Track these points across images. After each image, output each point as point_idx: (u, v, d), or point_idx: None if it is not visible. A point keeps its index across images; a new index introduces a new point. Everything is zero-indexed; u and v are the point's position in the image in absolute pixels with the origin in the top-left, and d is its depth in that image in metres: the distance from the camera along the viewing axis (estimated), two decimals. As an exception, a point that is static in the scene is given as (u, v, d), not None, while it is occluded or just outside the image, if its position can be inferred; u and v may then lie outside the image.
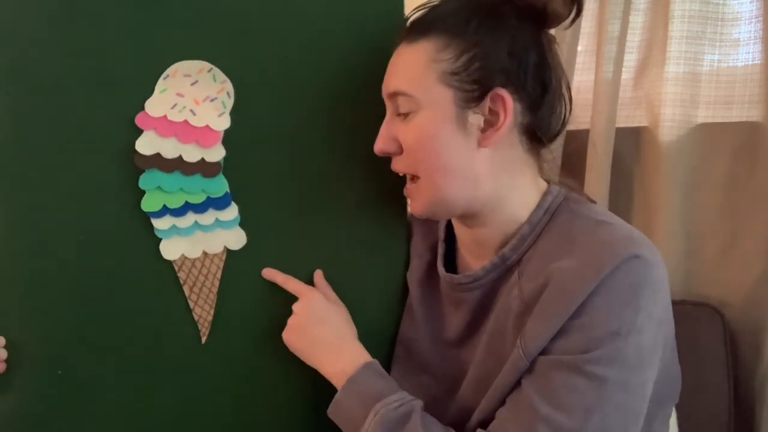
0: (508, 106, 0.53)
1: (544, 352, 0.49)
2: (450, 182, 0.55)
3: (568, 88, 0.57)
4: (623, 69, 0.99)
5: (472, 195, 0.55)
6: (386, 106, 0.58)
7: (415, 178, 0.57)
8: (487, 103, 0.53)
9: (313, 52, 0.62)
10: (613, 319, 0.47)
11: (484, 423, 0.52)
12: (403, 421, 0.52)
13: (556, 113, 0.56)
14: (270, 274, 0.62)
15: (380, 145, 0.58)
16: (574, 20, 0.55)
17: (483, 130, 0.54)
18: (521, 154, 0.56)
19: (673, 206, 0.96)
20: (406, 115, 0.55)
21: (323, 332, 0.59)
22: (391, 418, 0.52)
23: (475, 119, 0.53)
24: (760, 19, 0.88)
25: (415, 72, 0.54)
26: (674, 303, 0.53)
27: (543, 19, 0.54)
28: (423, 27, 0.55)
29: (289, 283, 0.62)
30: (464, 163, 0.54)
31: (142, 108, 0.57)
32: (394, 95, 0.56)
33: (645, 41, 1.01)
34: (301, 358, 0.60)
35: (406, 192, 0.60)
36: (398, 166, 0.58)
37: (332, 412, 0.56)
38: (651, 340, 0.48)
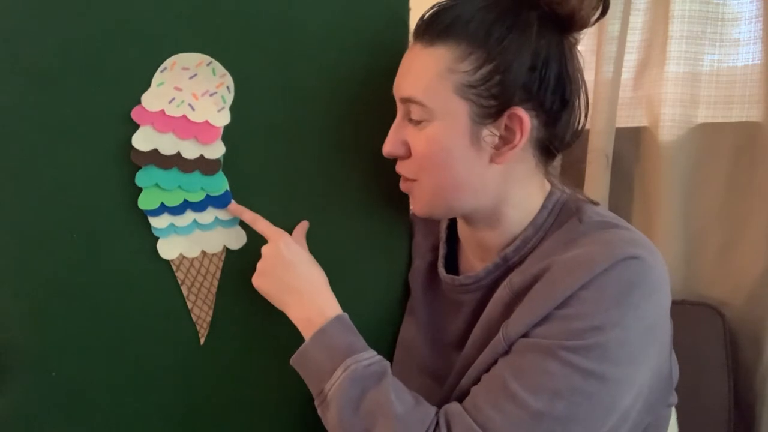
0: (525, 126, 0.51)
1: (523, 336, 0.49)
2: (457, 194, 0.54)
3: (586, 95, 0.55)
4: (623, 69, 1.00)
5: (478, 204, 0.55)
6: (397, 107, 0.56)
7: (412, 179, 0.56)
8: (503, 120, 0.52)
9: (316, 46, 0.61)
10: (599, 314, 0.47)
11: (460, 401, 0.51)
12: (375, 380, 0.51)
13: (572, 125, 0.54)
14: (237, 210, 0.59)
15: (389, 149, 0.56)
16: (596, 21, 0.53)
17: (497, 147, 0.52)
18: (531, 167, 0.55)
19: (673, 206, 0.96)
20: (418, 122, 0.54)
21: (292, 276, 0.56)
22: (363, 375, 0.51)
23: (490, 137, 0.52)
24: (760, 19, 0.88)
25: (431, 81, 0.52)
26: (674, 303, 0.53)
27: (569, 25, 0.52)
28: (441, 29, 0.52)
29: (258, 223, 0.59)
30: (474, 178, 0.53)
31: (139, 102, 0.55)
32: (406, 101, 0.54)
33: (645, 41, 1.01)
34: (272, 302, 0.58)
35: (403, 188, 0.58)
36: (404, 169, 0.57)
37: (297, 360, 0.55)
38: (638, 340, 0.48)
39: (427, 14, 0.54)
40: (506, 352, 0.50)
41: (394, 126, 0.56)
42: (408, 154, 0.55)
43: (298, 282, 0.56)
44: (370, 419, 0.49)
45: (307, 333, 0.55)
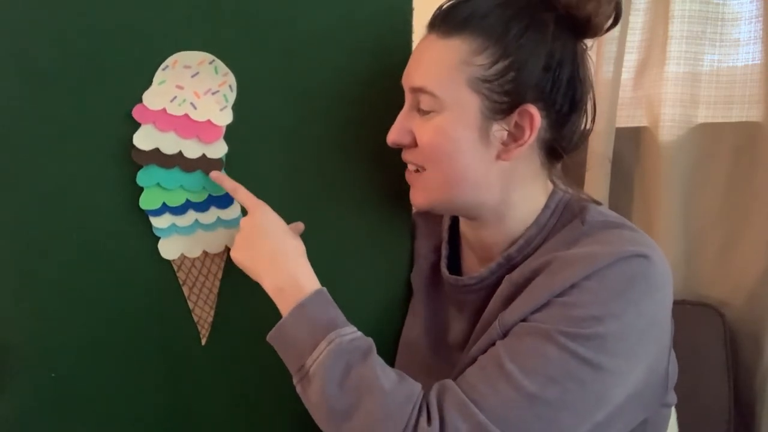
0: (536, 124, 0.51)
1: (522, 321, 0.49)
2: (460, 188, 0.54)
3: (593, 100, 0.55)
4: (623, 69, 1.00)
5: (480, 202, 0.55)
6: (405, 96, 0.56)
7: (420, 168, 0.56)
8: (514, 117, 0.52)
9: (319, 45, 0.60)
10: (600, 305, 0.47)
11: None
12: (360, 355, 0.49)
13: (579, 129, 0.55)
14: (218, 178, 0.57)
15: (394, 137, 0.56)
16: (609, 29, 0.53)
17: (505, 144, 0.52)
18: (536, 167, 0.55)
19: (673, 206, 0.96)
20: (426, 112, 0.53)
21: (265, 243, 0.54)
22: (347, 350, 0.49)
23: (499, 132, 0.52)
24: (760, 19, 0.89)
25: (444, 72, 0.52)
26: (674, 303, 0.53)
27: (583, 30, 0.52)
28: (458, 21, 0.52)
29: (239, 192, 0.57)
30: (479, 173, 0.53)
31: (140, 100, 0.55)
32: (417, 90, 0.54)
33: (645, 41, 1.01)
34: (248, 274, 0.55)
35: (408, 178, 0.58)
36: (409, 157, 0.57)
37: (274, 336, 0.52)
38: (637, 336, 0.48)
39: (445, 5, 0.54)
40: (501, 338, 0.50)
41: (400, 115, 0.56)
42: (413, 144, 0.55)
43: (270, 248, 0.54)
44: (356, 395, 0.48)
45: (280, 303, 0.52)
